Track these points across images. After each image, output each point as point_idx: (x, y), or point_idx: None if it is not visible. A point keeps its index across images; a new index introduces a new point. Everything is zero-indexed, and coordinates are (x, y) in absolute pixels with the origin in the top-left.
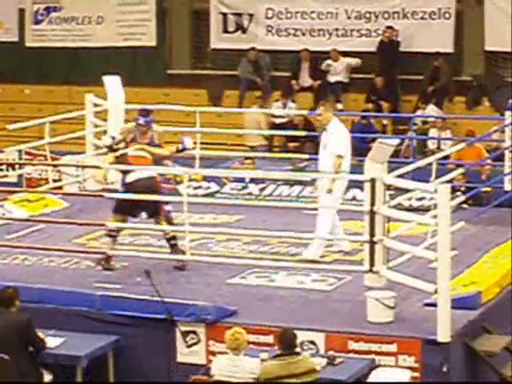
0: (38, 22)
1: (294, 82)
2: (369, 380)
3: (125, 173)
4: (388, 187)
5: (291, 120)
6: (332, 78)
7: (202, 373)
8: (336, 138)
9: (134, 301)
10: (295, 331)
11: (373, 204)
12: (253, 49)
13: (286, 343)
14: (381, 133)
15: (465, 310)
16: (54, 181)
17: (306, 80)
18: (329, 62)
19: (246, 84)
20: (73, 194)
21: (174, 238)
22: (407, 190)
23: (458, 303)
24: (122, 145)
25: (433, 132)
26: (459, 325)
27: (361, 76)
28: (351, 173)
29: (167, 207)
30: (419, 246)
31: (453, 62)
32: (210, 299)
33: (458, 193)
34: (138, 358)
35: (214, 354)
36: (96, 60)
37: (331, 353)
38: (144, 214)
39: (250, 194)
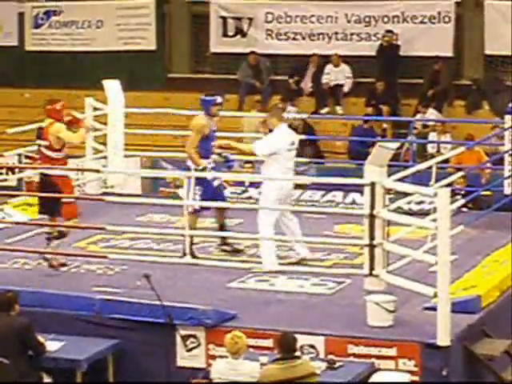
0: (37, 26)
1: (291, 81)
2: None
3: None
4: (388, 191)
5: (290, 124)
6: (331, 82)
7: (202, 376)
8: (265, 138)
9: (134, 305)
10: (295, 335)
11: (372, 208)
12: (253, 53)
13: (286, 347)
14: (381, 136)
15: (465, 313)
16: None
17: (307, 84)
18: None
19: (246, 88)
20: (73, 198)
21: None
22: (407, 194)
23: (458, 307)
24: None
25: (432, 136)
26: (459, 329)
27: (360, 80)
28: (349, 176)
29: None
30: (419, 249)
31: (452, 65)
32: (209, 303)
33: (458, 196)
34: (138, 362)
35: (213, 357)
36: (96, 64)
37: (331, 357)
38: None
39: (249, 197)
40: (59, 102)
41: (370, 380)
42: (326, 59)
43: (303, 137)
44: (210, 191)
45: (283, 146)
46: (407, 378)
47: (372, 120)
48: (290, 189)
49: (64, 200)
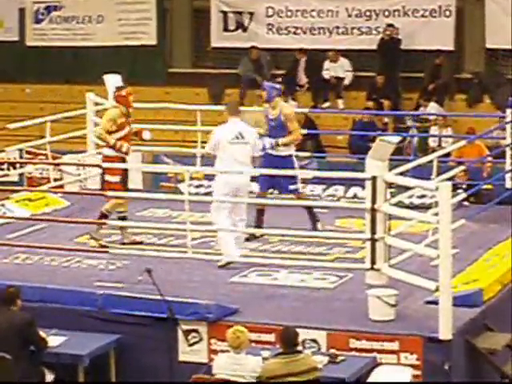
0: (38, 21)
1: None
2: (370, 378)
3: None
4: (389, 185)
5: None
6: (332, 76)
7: (204, 371)
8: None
9: (136, 300)
10: (297, 329)
11: (374, 202)
12: (254, 47)
13: (288, 341)
14: (382, 131)
15: (466, 307)
16: (55, 180)
17: (302, 78)
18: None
19: (247, 82)
20: (74, 193)
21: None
22: (408, 188)
23: (460, 301)
24: None
25: (434, 130)
26: (461, 322)
27: (361, 74)
28: (350, 171)
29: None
30: (420, 243)
31: (453, 59)
32: (211, 298)
33: (459, 190)
34: (140, 357)
35: (215, 352)
36: (97, 59)
37: (333, 351)
38: None
39: (251, 192)
40: (125, 89)
41: (372, 374)
42: (324, 54)
43: (304, 131)
44: None
45: (223, 139)
46: (409, 371)
47: (372, 114)
48: (240, 183)
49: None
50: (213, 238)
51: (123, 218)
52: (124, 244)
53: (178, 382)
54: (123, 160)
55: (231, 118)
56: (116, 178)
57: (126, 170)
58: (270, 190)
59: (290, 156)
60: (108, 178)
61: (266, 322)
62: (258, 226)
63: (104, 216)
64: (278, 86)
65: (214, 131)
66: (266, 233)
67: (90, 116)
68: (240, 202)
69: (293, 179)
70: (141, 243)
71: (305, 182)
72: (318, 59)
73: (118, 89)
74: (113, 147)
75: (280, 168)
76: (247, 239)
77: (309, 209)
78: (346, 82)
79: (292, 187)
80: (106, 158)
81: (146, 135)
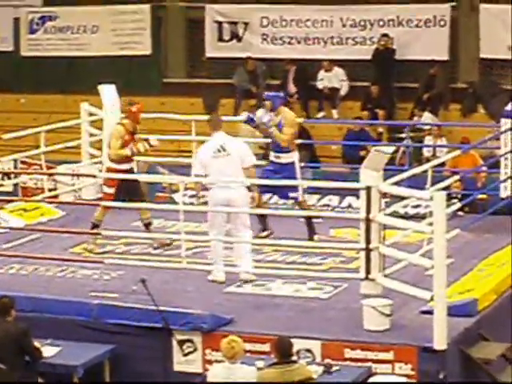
0: (33, 32)
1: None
2: None
3: None
4: (384, 195)
5: None
6: (327, 87)
7: (199, 381)
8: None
9: (131, 310)
10: (292, 339)
11: (368, 212)
12: (250, 58)
13: (283, 351)
14: (376, 140)
15: (461, 317)
16: (50, 190)
17: (291, 88)
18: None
19: (242, 93)
20: (69, 203)
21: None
22: (403, 198)
23: (455, 311)
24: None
25: (428, 139)
26: (455, 332)
27: (356, 84)
28: (345, 181)
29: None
30: (415, 253)
31: (448, 69)
32: (206, 308)
33: (454, 200)
34: (135, 367)
35: (210, 362)
36: (91, 69)
37: (328, 361)
38: None
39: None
40: (136, 105)
41: None
42: (319, 64)
43: (299, 141)
44: None
45: (205, 157)
46: (404, 381)
47: (367, 124)
48: (231, 197)
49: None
50: (207, 247)
51: (148, 224)
52: (155, 248)
53: (177, 382)
54: (127, 172)
55: (214, 133)
56: (111, 190)
57: (125, 181)
58: (268, 196)
59: (293, 163)
60: (104, 188)
61: (261, 331)
62: (264, 228)
63: (95, 226)
64: (281, 94)
65: (197, 153)
66: (261, 243)
67: (84, 126)
68: (233, 211)
69: (294, 186)
70: (170, 244)
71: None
72: (309, 69)
73: (130, 104)
74: (131, 157)
75: (282, 174)
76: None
77: (308, 219)
78: (342, 92)
79: (292, 194)
80: (108, 170)
81: (154, 142)
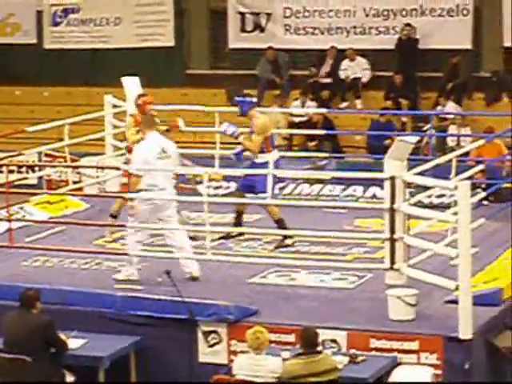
0: (56, 24)
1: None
2: (391, 378)
3: None
4: (408, 185)
5: (310, 118)
6: (350, 76)
7: (224, 372)
8: (134, 155)
9: (155, 301)
10: (317, 330)
11: (393, 202)
12: (271, 48)
13: (308, 342)
14: (400, 130)
15: (486, 306)
16: (74, 182)
17: (326, 77)
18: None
19: (265, 83)
20: (93, 196)
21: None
22: (427, 188)
23: (480, 300)
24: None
25: (452, 129)
26: (481, 322)
27: (379, 74)
28: (369, 171)
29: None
30: (440, 243)
31: (471, 58)
32: (231, 299)
33: (478, 189)
34: (160, 359)
35: (235, 353)
36: (114, 61)
37: (353, 351)
38: None
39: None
40: (144, 97)
41: (393, 374)
42: (343, 54)
43: (323, 131)
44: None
45: (149, 156)
46: (430, 371)
47: (390, 114)
48: (162, 203)
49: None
50: (232, 238)
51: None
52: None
53: (194, 383)
54: None
55: (149, 133)
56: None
57: None
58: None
59: (266, 163)
60: (122, 179)
61: (286, 322)
62: (237, 225)
63: (113, 217)
64: (248, 99)
65: (135, 151)
66: (286, 234)
67: (108, 118)
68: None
69: (264, 187)
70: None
71: (323, 182)
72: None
73: (140, 96)
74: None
75: (254, 175)
76: (223, 237)
77: (277, 222)
78: (364, 79)
79: (262, 195)
80: (127, 161)
81: (181, 123)
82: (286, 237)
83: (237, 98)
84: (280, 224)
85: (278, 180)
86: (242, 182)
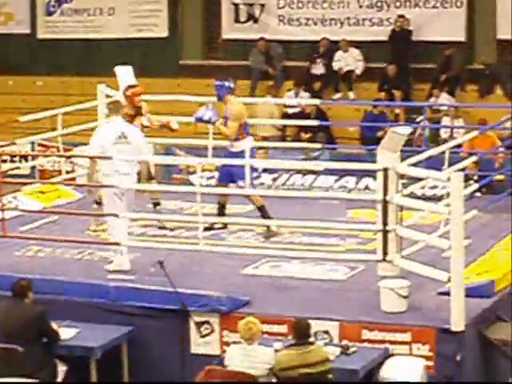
0: (49, 14)
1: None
2: (383, 369)
3: None
4: (401, 176)
5: (303, 109)
6: (343, 68)
7: (216, 363)
8: (92, 139)
9: (148, 292)
10: (309, 321)
11: (386, 193)
12: (262, 39)
13: (300, 333)
14: (393, 122)
15: (479, 298)
16: (67, 172)
17: (319, 68)
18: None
19: (258, 74)
20: (86, 185)
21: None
22: (420, 179)
23: (472, 292)
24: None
25: (445, 120)
26: (473, 313)
27: (373, 65)
28: (362, 162)
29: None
30: (432, 234)
31: (465, 50)
32: (223, 289)
33: (471, 181)
34: (152, 349)
35: (227, 344)
36: (108, 51)
37: (345, 342)
38: None
39: (262, 183)
40: (132, 88)
41: (385, 365)
42: (336, 45)
43: (316, 122)
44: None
45: (107, 141)
46: (421, 362)
47: (383, 105)
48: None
49: None
50: (224, 229)
51: (156, 204)
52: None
53: (188, 383)
54: None
55: (113, 117)
56: None
57: None
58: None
59: (242, 152)
60: None
61: (278, 313)
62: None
63: (98, 204)
64: (227, 83)
65: (95, 133)
66: (278, 224)
67: (101, 108)
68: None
69: (242, 175)
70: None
71: (316, 173)
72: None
73: (127, 87)
74: None
75: (231, 164)
76: (207, 228)
77: (259, 209)
78: (358, 71)
79: (241, 183)
80: None
81: (175, 125)
82: (268, 226)
83: (216, 82)
84: (262, 211)
85: (255, 168)
86: (220, 173)
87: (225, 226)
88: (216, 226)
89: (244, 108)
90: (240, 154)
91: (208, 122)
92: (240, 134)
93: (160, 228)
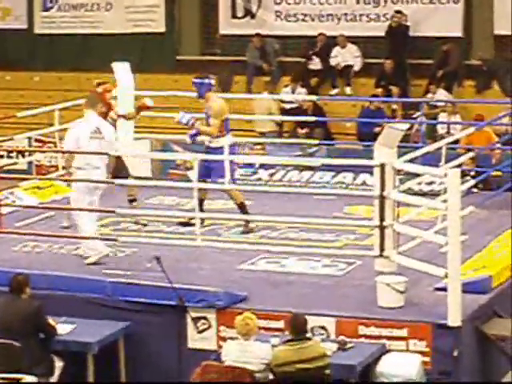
0: (47, 9)
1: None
2: (379, 365)
3: None
4: (398, 172)
5: (300, 105)
6: (340, 64)
7: (213, 358)
8: (67, 134)
9: (145, 287)
10: (306, 316)
11: (383, 189)
12: (258, 35)
13: (297, 328)
14: (390, 118)
15: (475, 294)
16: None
17: (317, 64)
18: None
19: (253, 70)
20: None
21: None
22: (417, 175)
23: (469, 287)
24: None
25: (443, 116)
26: (470, 309)
27: (370, 61)
28: (359, 158)
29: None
30: (429, 230)
31: (462, 45)
32: (220, 285)
33: (468, 177)
34: (149, 345)
35: (224, 339)
36: (105, 47)
37: (342, 338)
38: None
39: (259, 179)
40: (102, 85)
41: (381, 361)
42: (333, 40)
43: (313, 118)
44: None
45: (82, 135)
46: (418, 358)
47: (380, 101)
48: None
49: None
50: (221, 225)
51: (133, 200)
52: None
53: (185, 383)
54: None
55: (88, 111)
56: None
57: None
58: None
59: (221, 148)
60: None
61: (275, 308)
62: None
63: (132, 201)
64: (207, 80)
65: (69, 128)
66: (275, 220)
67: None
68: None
69: (222, 171)
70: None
71: (313, 169)
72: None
73: (98, 84)
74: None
75: (210, 160)
76: (182, 224)
77: (239, 206)
78: (356, 68)
79: (220, 180)
80: None
81: (149, 102)
82: (248, 221)
83: (194, 80)
84: (242, 208)
85: (236, 165)
86: (199, 169)
87: (202, 221)
88: (192, 221)
89: (225, 104)
90: (219, 150)
91: (186, 124)
92: (220, 131)
93: (135, 223)
